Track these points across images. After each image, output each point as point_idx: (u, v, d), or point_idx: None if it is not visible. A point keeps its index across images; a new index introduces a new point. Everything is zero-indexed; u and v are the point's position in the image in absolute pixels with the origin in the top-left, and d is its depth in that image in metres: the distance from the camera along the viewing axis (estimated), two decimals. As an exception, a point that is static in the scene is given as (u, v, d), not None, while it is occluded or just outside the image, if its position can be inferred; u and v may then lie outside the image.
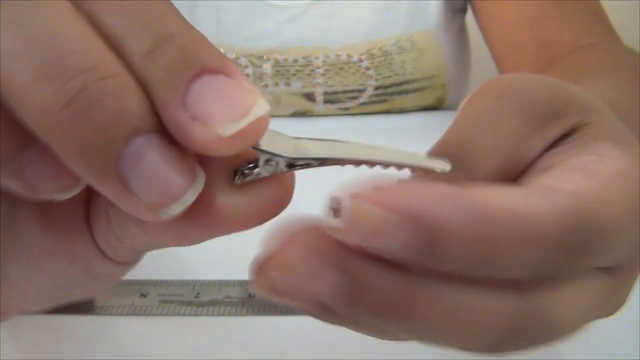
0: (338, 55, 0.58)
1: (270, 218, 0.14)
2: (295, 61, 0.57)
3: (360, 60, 0.58)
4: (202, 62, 0.12)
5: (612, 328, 0.26)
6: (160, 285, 0.30)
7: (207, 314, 0.28)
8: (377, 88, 0.59)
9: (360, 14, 0.58)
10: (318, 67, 0.58)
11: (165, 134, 0.12)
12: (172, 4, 0.13)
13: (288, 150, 0.13)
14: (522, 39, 0.50)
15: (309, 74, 0.58)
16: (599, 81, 0.34)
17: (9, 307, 0.17)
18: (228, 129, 0.12)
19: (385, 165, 0.14)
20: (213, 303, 0.28)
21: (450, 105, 0.64)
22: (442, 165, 0.14)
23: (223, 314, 0.28)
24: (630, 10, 1.06)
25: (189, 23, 0.13)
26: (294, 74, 0.58)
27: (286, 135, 0.14)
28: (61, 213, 0.15)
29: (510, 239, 0.12)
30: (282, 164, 0.13)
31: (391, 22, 0.58)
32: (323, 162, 0.14)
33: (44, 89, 0.11)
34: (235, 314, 0.28)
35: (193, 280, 0.30)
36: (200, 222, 0.14)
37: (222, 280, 0.30)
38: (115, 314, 0.28)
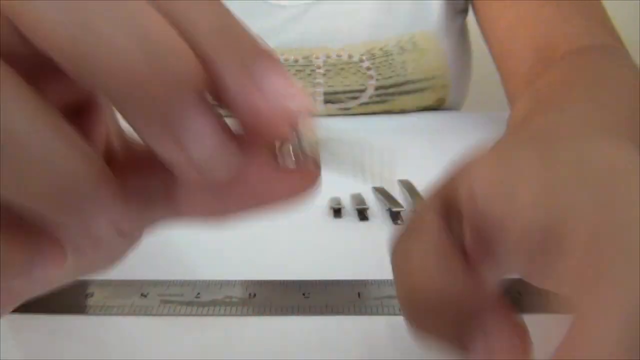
0: (339, 56, 0.58)
1: (304, 196, 0.15)
2: (296, 61, 0.57)
3: (361, 61, 0.58)
4: (261, 48, 0.14)
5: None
6: (161, 285, 0.30)
7: (207, 314, 0.28)
8: (377, 88, 0.59)
9: (361, 14, 0.58)
10: (319, 67, 0.58)
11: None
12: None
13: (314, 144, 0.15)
14: (519, 41, 0.50)
15: (310, 74, 0.58)
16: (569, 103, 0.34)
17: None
18: (296, 104, 0.13)
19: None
20: (213, 303, 0.28)
21: (451, 105, 0.64)
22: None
23: (223, 314, 0.28)
24: (630, 10, 1.06)
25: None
26: (294, 74, 0.58)
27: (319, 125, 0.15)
28: None
29: None
30: (316, 148, 0.15)
31: (392, 23, 0.58)
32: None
33: (137, 57, 0.12)
34: (235, 314, 0.28)
35: (193, 280, 0.30)
36: (237, 198, 0.15)
37: (222, 281, 0.30)
38: (116, 314, 0.28)
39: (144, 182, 0.15)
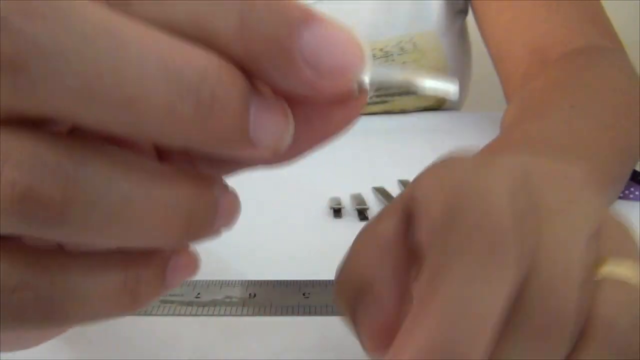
0: (339, 56, 0.58)
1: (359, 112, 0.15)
2: (296, 62, 0.57)
3: (361, 61, 0.58)
4: (297, 17, 0.13)
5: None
6: (161, 286, 0.30)
7: (207, 314, 0.28)
8: (377, 89, 0.59)
9: (362, 15, 0.58)
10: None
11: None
12: None
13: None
14: (516, 43, 0.51)
15: None
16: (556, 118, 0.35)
17: None
18: (355, 76, 0.13)
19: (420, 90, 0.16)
20: (213, 303, 0.29)
21: (451, 106, 0.65)
22: (453, 88, 0.16)
23: (223, 314, 0.28)
24: (630, 10, 1.06)
25: None
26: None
27: None
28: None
29: None
30: (367, 86, 0.15)
31: (392, 23, 0.58)
32: (385, 85, 0.16)
33: (180, 105, 0.12)
34: (235, 314, 0.28)
35: (193, 281, 0.30)
36: (312, 130, 0.15)
37: (222, 281, 0.30)
38: (116, 314, 0.28)
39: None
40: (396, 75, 0.16)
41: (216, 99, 0.12)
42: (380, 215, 0.20)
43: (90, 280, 0.14)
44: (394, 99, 0.60)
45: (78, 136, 0.13)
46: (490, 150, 0.31)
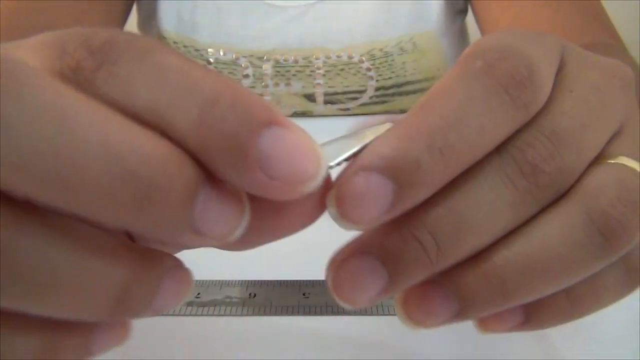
0: (339, 56, 0.58)
1: (321, 214, 0.16)
2: (296, 62, 0.57)
3: (361, 61, 0.58)
4: (258, 118, 0.13)
5: (612, 328, 0.26)
6: (161, 286, 0.30)
7: (207, 314, 0.28)
8: (377, 89, 0.59)
9: (361, 14, 0.58)
10: (318, 68, 0.58)
11: None
12: (192, 62, 0.13)
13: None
14: None
15: (310, 75, 0.58)
16: None
17: None
18: (308, 186, 0.13)
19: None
20: (213, 303, 0.29)
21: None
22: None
23: (223, 314, 0.28)
24: (630, 10, 1.06)
25: (218, 74, 0.13)
26: (294, 75, 0.58)
27: None
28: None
29: None
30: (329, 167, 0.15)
31: (392, 23, 0.58)
32: (347, 160, 0.16)
33: (119, 189, 0.12)
34: (235, 314, 0.28)
35: (193, 281, 0.30)
36: (269, 225, 0.15)
37: (222, 281, 0.30)
38: (116, 314, 0.28)
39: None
40: (350, 145, 0.16)
41: (156, 188, 0.12)
42: None
43: (9, 341, 0.13)
44: (394, 99, 0.60)
45: (16, 202, 0.12)
46: None
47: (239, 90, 0.13)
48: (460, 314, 0.16)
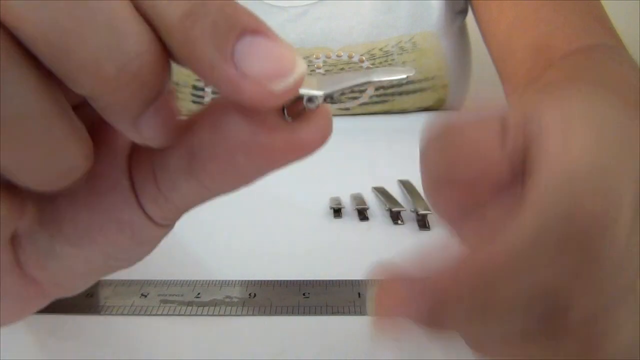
0: (339, 56, 0.58)
1: (319, 146, 0.16)
2: (296, 61, 0.57)
3: (361, 61, 0.58)
4: (243, 23, 0.13)
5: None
6: (161, 286, 0.30)
7: (207, 314, 0.28)
8: (377, 88, 0.59)
9: (362, 15, 0.58)
10: (319, 68, 0.58)
11: None
12: None
13: (320, 87, 0.16)
14: (518, 43, 0.50)
15: (310, 74, 0.58)
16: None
17: (55, 286, 0.17)
18: (279, 85, 0.14)
19: (377, 84, 0.17)
20: (213, 303, 0.29)
21: (451, 106, 0.64)
22: (407, 72, 0.17)
23: (223, 314, 0.28)
24: (630, 10, 1.06)
25: None
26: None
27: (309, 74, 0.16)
28: (106, 184, 0.16)
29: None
30: (321, 99, 0.16)
31: (392, 23, 0.58)
32: (346, 91, 0.16)
33: (108, 67, 0.13)
34: (235, 314, 0.28)
35: (193, 281, 0.30)
36: (258, 156, 0.15)
37: (222, 281, 0.30)
38: (116, 314, 0.28)
39: (166, 160, 0.16)
40: (348, 78, 0.16)
41: (137, 61, 0.13)
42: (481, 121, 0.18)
43: None
44: (394, 99, 0.60)
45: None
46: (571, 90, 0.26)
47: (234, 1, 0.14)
48: None
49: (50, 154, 0.13)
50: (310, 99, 0.15)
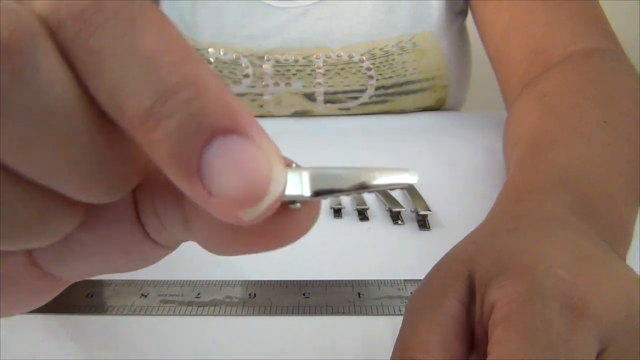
0: (339, 56, 0.58)
1: (296, 240, 0.15)
2: (296, 61, 0.57)
3: (362, 61, 0.58)
4: (212, 123, 0.11)
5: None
6: (161, 286, 0.30)
7: (207, 314, 0.28)
8: (377, 88, 0.59)
9: (362, 14, 0.58)
10: (319, 67, 0.58)
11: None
12: (178, 42, 0.12)
13: (309, 184, 0.14)
14: (514, 44, 0.51)
15: (310, 74, 0.58)
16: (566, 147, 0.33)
17: (71, 277, 0.17)
18: (247, 215, 0.12)
19: (374, 189, 0.15)
20: (214, 303, 0.29)
21: (451, 106, 0.64)
22: (410, 179, 0.15)
23: (223, 314, 0.28)
24: (630, 10, 1.06)
25: (199, 63, 0.11)
26: (294, 74, 0.58)
27: (291, 168, 0.14)
28: (114, 216, 0.16)
29: None
30: (307, 199, 0.14)
31: (392, 23, 0.58)
32: (337, 195, 0.15)
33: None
34: (235, 314, 0.28)
35: (194, 281, 0.30)
36: (249, 239, 0.15)
37: (222, 281, 0.30)
38: (116, 314, 0.28)
39: (165, 207, 0.15)
40: (343, 179, 0.15)
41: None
42: (439, 289, 0.21)
43: None
44: (394, 99, 0.60)
45: None
46: (532, 190, 0.28)
47: (209, 85, 0.11)
48: None
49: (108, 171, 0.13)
50: (294, 202, 0.14)
